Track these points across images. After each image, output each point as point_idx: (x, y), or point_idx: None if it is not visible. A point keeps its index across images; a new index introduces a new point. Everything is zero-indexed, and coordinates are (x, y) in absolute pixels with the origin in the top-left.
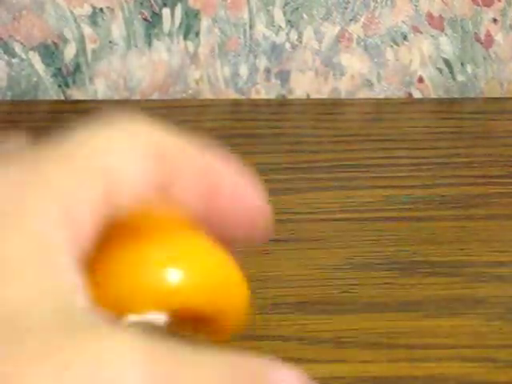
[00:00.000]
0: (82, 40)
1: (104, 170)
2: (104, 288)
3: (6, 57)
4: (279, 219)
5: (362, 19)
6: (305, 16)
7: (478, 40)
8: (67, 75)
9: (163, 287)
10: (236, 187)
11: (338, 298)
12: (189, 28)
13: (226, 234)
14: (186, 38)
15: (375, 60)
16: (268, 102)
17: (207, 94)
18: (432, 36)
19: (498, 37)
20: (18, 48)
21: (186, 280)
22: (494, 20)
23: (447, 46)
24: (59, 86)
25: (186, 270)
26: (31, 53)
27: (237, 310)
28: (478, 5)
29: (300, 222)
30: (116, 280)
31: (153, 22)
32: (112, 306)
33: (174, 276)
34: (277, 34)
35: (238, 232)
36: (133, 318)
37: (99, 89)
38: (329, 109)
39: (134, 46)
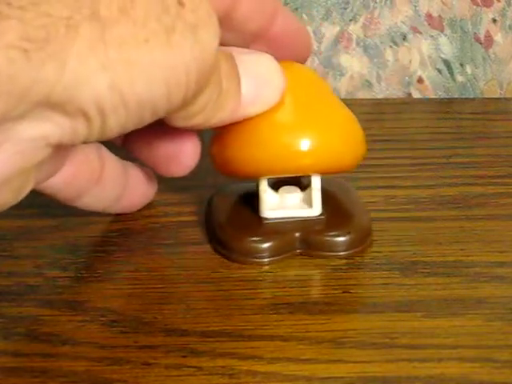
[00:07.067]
0: None
1: None
2: (241, 149)
3: None
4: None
5: (362, 19)
6: (304, 16)
7: (477, 40)
8: None
9: (296, 152)
10: (287, 15)
11: (338, 297)
12: None
13: (278, 53)
14: None
15: (375, 60)
16: None
17: None
18: (431, 36)
19: (498, 37)
20: None
21: (315, 146)
22: (494, 20)
23: (447, 46)
24: None
25: (316, 137)
26: None
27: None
28: (478, 5)
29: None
30: (253, 143)
31: None
32: (247, 167)
33: (305, 142)
34: None
35: (291, 55)
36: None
37: None
38: None
39: None
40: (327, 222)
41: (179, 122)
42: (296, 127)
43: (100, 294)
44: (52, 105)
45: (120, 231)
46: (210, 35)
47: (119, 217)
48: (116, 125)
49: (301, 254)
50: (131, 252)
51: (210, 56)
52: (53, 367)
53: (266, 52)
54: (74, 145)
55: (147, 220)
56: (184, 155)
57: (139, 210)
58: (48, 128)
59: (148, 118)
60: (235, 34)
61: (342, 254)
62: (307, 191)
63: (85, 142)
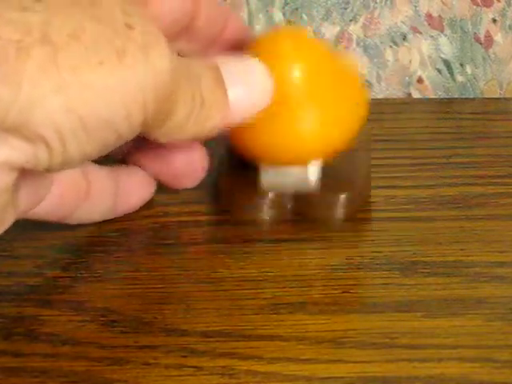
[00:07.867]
0: None
1: None
2: (263, 139)
3: None
4: (280, 219)
5: (362, 20)
6: (304, 16)
7: (477, 40)
8: None
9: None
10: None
11: (338, 297)
12: None
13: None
14: None
15: (375, 60)
16: None
17: None
18: (431, 36)
19: (498, 37)
20: None
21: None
22: (494, 20)
23: (447, 46)
24: None
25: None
26: None
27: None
28: (478, 5)
29: (300, 222)
30: (277, 133)
31: None
32: (269, 156)
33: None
34: None
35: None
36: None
37: None
38: None
39: None
40: (324, 184)
41: (163, 138)
42: (296, 122)
43: (100, 294)
44: (7, 128)
45: (120, 231)
46: (161, 55)
47: (119, 217)
48: (78, 150)
49: (295, 214)
50: (131, 252)
51: (163, 75)
52: (53, 367)
53: (219, 54)
54: (39, 171)
55: (147, 220)
56: (193, 169)
57: (139, 210)
58: (8, 153)
59: (112, 142)
60: (195, 43)
61: (337, 216)
62: (307, 167)
63: (49, 170)
